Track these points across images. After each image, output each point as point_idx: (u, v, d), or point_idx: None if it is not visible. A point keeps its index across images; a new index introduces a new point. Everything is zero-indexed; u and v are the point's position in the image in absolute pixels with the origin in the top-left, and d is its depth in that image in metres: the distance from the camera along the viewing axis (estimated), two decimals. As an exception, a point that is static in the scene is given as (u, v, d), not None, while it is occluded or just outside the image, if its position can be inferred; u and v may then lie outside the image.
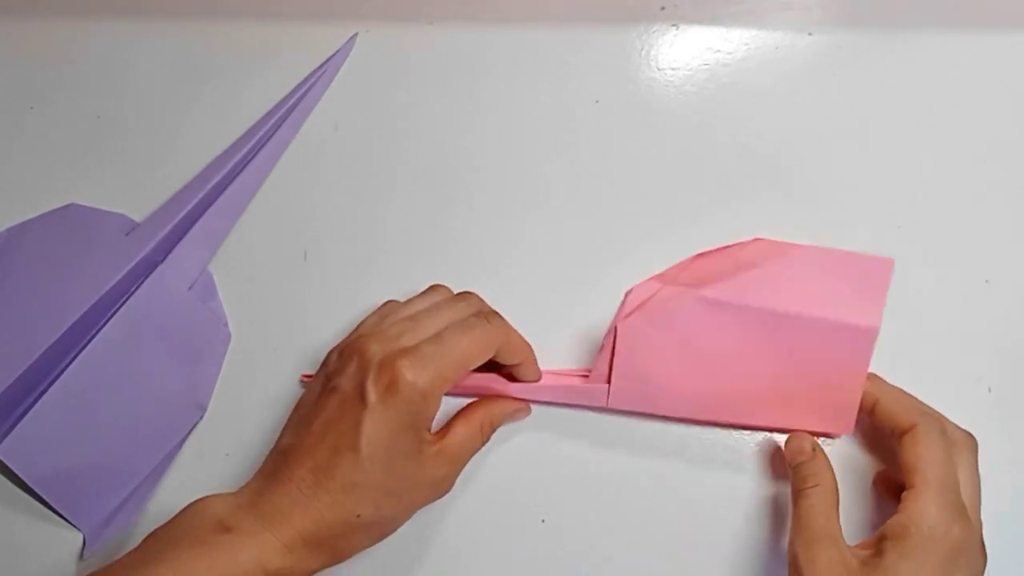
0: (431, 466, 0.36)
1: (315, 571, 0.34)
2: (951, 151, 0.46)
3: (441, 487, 0.38)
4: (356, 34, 0.49)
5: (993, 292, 0.43)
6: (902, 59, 0.47)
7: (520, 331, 0.39)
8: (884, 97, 0.47)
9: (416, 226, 0.46)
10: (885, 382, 0.39)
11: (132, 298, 0.43)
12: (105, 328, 0.42)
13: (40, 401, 0.41)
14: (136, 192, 0.47)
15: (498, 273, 0.45)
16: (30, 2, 0.51)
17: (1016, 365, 0.43)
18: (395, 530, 0.37)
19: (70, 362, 0.42)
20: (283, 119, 0.47)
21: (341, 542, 0.34)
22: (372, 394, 0.34)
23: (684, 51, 0.48)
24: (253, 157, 0.47)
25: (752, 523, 0.41)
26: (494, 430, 0.40)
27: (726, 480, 0.41)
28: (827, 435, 0.41)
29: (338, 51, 0.49)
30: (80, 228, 0.45)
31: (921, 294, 0.43)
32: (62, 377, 0.42)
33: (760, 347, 0.38)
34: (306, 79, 0.48)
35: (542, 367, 0.41)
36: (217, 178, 0.45)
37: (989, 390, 0.42)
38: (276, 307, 0.45)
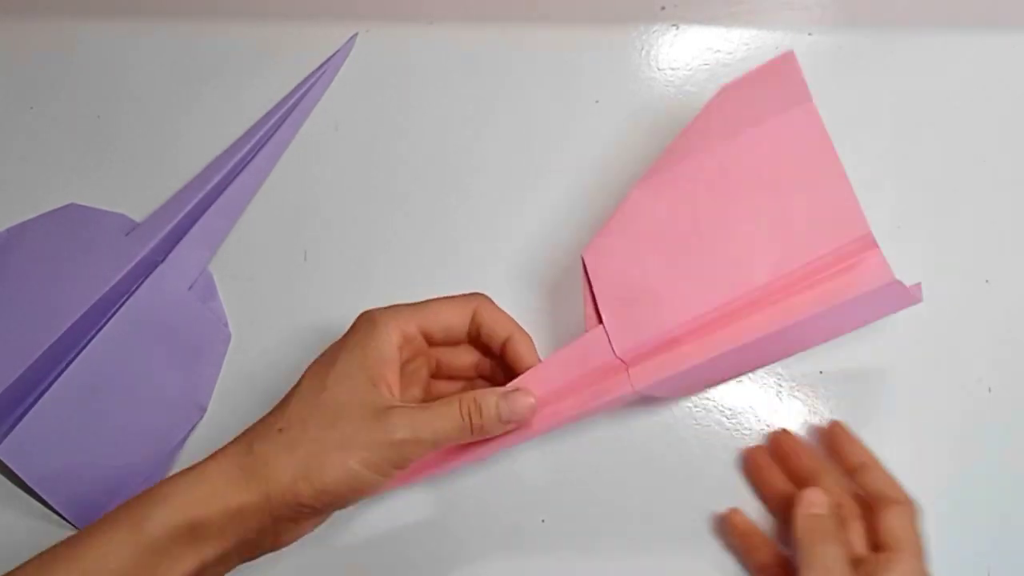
0: (388, 419, 0.33)
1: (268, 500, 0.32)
2: (951, 151, 0.46)
3: (399, 450, 0.33)
4: (356, 34, 0.49)
5: (993, 292, 0.43)
6: (902, 59, 0.47)
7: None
8: (884, 97, 0.47)
9: (416, 226, 0.46)
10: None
11: (132, 298, 0.43)
12: (105, 328, 0.42)
13: (40, 401, 0.41)
14: (136, 192, 0.47)
15: (498, 272, 0.45)
16: (30, 2, 0.51)
17: (1016, 365, 0.43)
18: (341, 485, 0.33)
19: (70, 362, 0.42)
20: (283, 119, 0.47)
21: (267, 468, 0.32)
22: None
23: (684, 51, 0.48)
24: (253, 157, 0.47)
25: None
26: (485, 420, 0.35)
27: (728, 479, 0.41)
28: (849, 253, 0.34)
29: (338, 51, 0.49)
30: (80, 228, 0.45)
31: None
32: (62, 377, 0.42)
33: (722, 196, 0.35)
34: (306, 79, 0.48)
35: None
36: (217, 178, 0.45)
37: (989, 390, 0.42)
38: (276, 307, 0.45)
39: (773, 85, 0.36)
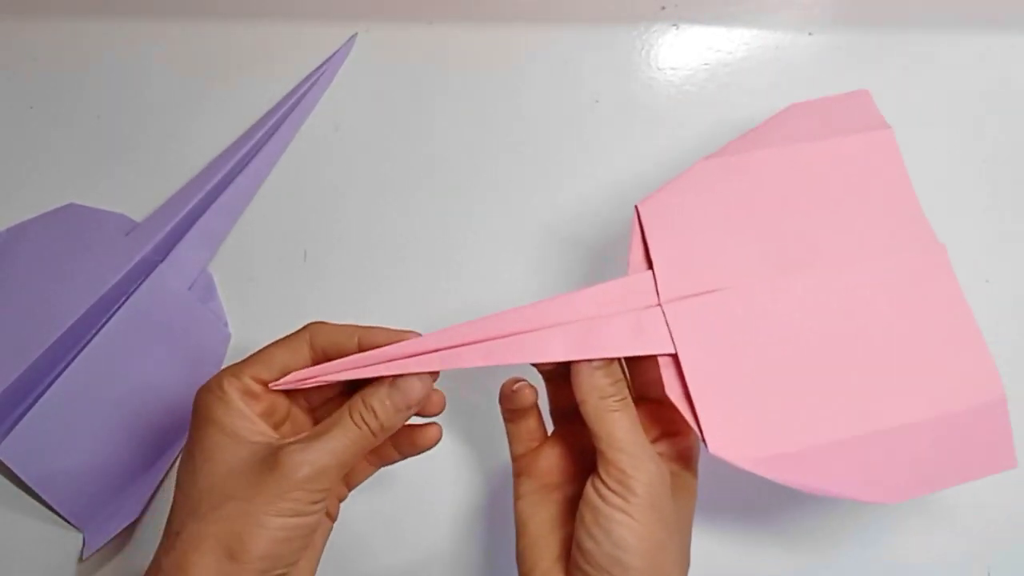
0: (281, 462, 0.30)
1: None
2: (951, 151, 0.46)
3: (309, 487, 0.30)
4: (356, 34, 0.49)
5: (993, 292, 0.43)
6: (902, 59, 0.47)
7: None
8: (884, 97, 0.47)
9: (416, 226, 0.46)
10: None
11: (132, 298, 0.43)
12: (105, 328, 0.42)
13: (40, 401, 0.41)
14: (136, 192, 0.47)
15: (498, 272, 0.45)
16: (30, 2, 0.51)
17: (1017, 365, 0.42)
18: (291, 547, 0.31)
19: (70, 362, 0.42)
20: (283, 119, 0.47)
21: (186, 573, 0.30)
22: None
23: (684, 51, 0.48)
24: (253, 157, 0.47)
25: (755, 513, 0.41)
26: (382, 419, 0.32)
27: (728, 476, 0.41)
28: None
29: (338, 51, 0.49)
30: (80, 228, 0.45)
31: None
32: (62, 377, 0.42)
33: (787, 188, 0.35)
34: (306, 79, 0.48)
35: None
36: (217, 178, 0.45)
37: (989, 390, 0.42)
38: (276, 307, 0.45)
39: (847, 110, 0.37)
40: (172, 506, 0.31)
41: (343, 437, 0.31)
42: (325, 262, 0.46)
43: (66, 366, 0.42)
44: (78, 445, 0.41)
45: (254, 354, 0.33)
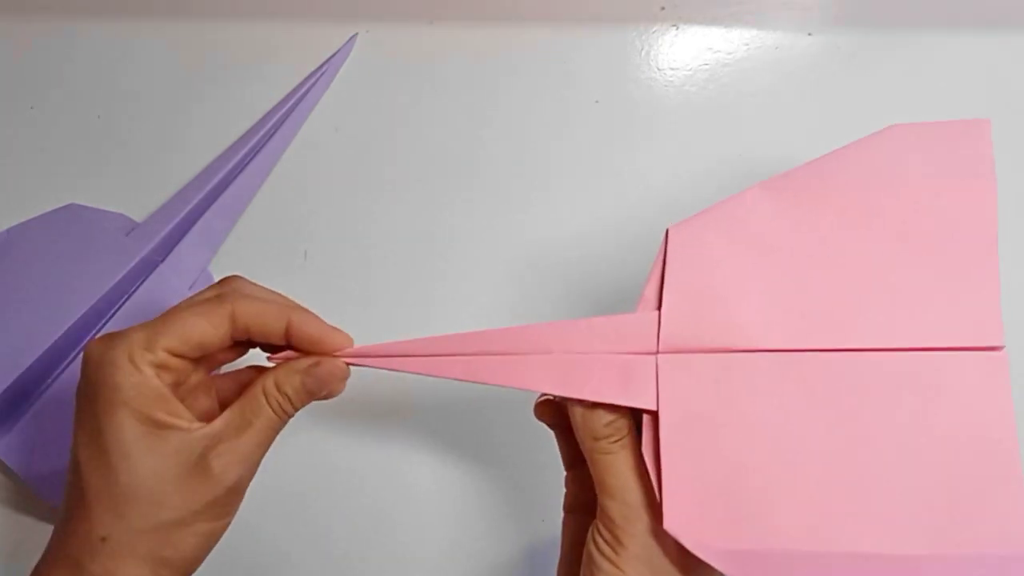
0: (211, 468, 0.28)
1: None
2: (951, 151, 0.46)
3: (237, 488, 0.29)
4: (356, 34, 0.49)
5: (993, 292, 0.43)
6: (902, 59, 0.47)
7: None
8: (884, 97, 0.47)
9: (416, 226, 0.46)
10: None
11: (132, 298, 0.43)
12: (105, 328, 0.42)
13: (40, 401, 0.41)
14: (136, 192, 0.47)
15: (498, 272, 0.45)
16: (30, 2, 0.51)
17: (1017, 366, 0.42)
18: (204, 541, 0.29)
19: (70, 362, 0.42)
20: (283, 119, 0.47)
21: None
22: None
23: (684, 51, 0.48)
24: (253, 157, 0.47)
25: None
26: (296, 403, 0.31)
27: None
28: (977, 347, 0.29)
29: (338, 51, 0.49)
30: (80, 228, 0.45)
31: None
32: (62, 377, 0.42)
33: (853, 231, 0.30)
34: (306, 79, 0.48)
35: None
36: (217, 178, 0.45)
37: (989, 390, 0.42)
38: (276, 307, 0.45)
39: (955, 145, 0.31)
40: (81, 498, 0.28)
41: (266, 429, 0.30)
42: (325, 262, 0.46)
43: (66, 366, 0.42)
44: (78, 445, 0.41)
45: (164, 321, 0.29)
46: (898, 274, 0.30)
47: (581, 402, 0.30)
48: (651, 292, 0.31)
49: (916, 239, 0.30)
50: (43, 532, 0.42)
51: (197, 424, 0.29)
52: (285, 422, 0.31)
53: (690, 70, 0.48)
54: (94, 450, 0.28)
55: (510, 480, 0.42)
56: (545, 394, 0.33)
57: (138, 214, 0.46)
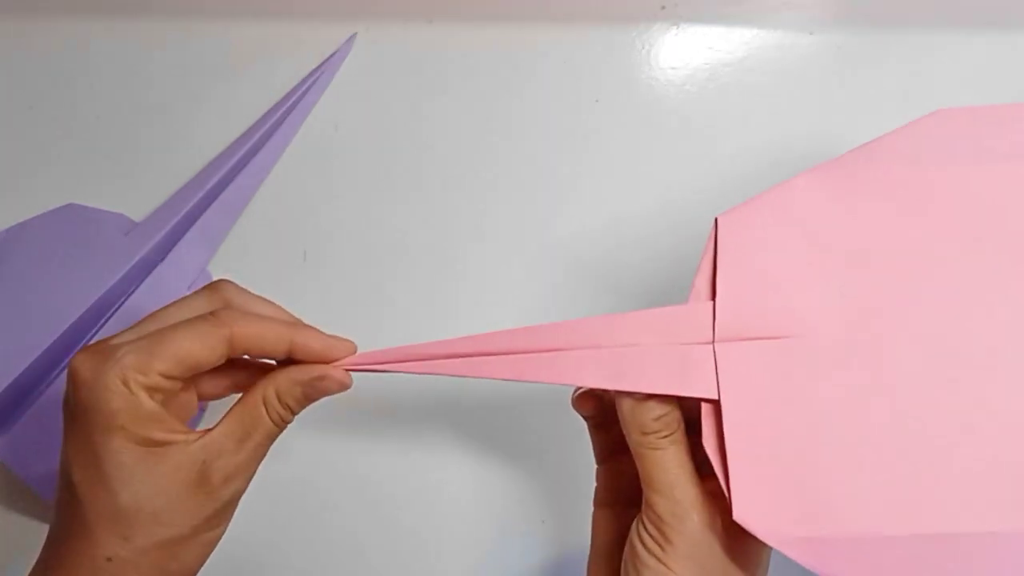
0: (211, 485, 0.28)
1: None
2: (952, 151, 0.46)
3: (234, 498, 0.29)
4: (356, 34, 0.49)
5: (994, 292, 0.43)
6: (902, 59, 0.47)
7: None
8: (884, 97, 0.47)
9: (416, 225, 0.46)
10: None
11: (131, 298, 0.43)
12: (104, 328, 0.42)
13: (40, 401, 0.41)
14: (135, 192, 0.47)
15: (498, 272, 0.45)
16: (30, 2, 0.51)
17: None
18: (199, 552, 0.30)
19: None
20: (283, 119, 0.47)
21: None
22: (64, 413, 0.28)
23: (684, 51, 0.48)
24: (253, 157, 0.47)
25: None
26: (297, 409, 0.31)
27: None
28: None
29: (338, 51, 0.49)
30: (79, 228, 0.45)
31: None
32: (61, 377, 0.41)
33: (912, 220, 0.29)
34: (306, 79, 0.48)
35: None
36: (217, 178, 0.45)
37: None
38: (276, 307, 0.45)
39: (1005, 128, 0.30)
40: (80, 518, 0.28)
41: (265, 440, 0.30)
42: (325, 262, 0.46)
43: (66, 366, 0.42)
44: (78, 445, 0.41)
45: (159, 342, 0.28)
46: (958, 258, 0.29)
47: (632, 395, 0.29)
48: (703, 282, 0.30)
49: (973, 223, 0.29)
50: (43, 532, 0.42)
51: (194, 435, 0.29)
52: (282, 428, 0.31)
53: (690, 69, 0.48)
54: (92, 473, 0.28)
55: (511, 482, 0.42)
56: (583, 387, 0.33)
57: (137, 214, 0.46)
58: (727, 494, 0.28)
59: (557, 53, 0.48)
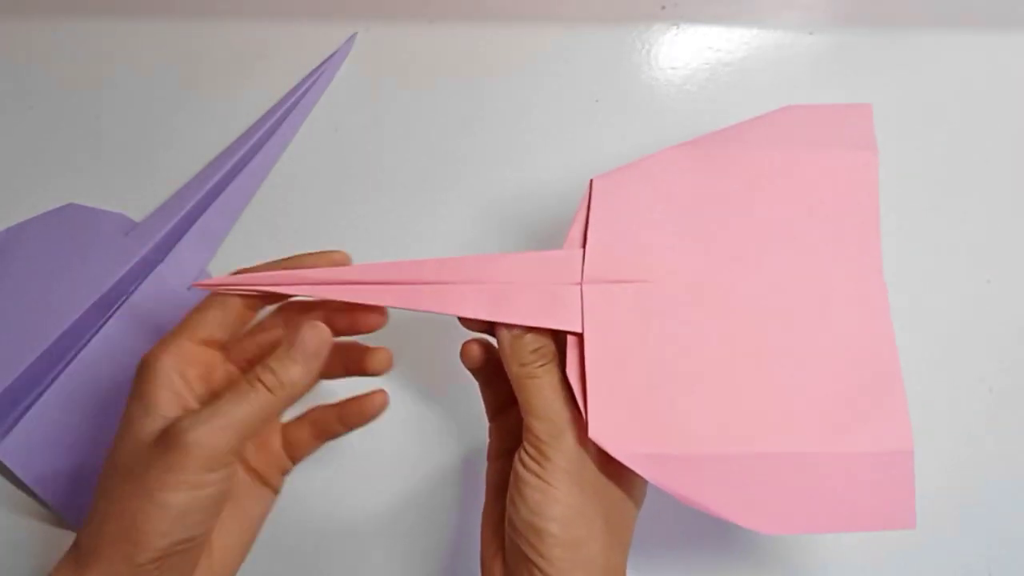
0: (171, 433, 0.29)
1: None
2: (952, 151, 0.46)
3: (202, 455, 0.29)
4: (355, 33, 0.49)
5: (994, 292, 0.43)
6: (902, 59, 0.47)
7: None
8: (884, 97, 0.47)
9: (415, 226, 0.46)
10: None
11: (131, 298, 0.43)
12: (104, 328, 0.42)
13: (39, 401, 0.41)
14: (135, 192, 0.47)
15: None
16: (30, 2, 0.51)
17: (1018, 365, 0.42)
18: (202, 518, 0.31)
19: (69, 362, 0.42)
20: (283, 119, 0.47)
21: (92, 555, 0.30)
22: None
23: (685, 50, 0.48)
24: (253, 157, 0.47)
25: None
26: (281, 376, 0.31)
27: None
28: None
29: (337, 51, 0.49)
30: (79, 228, 0.45)
31: (922, 294, 0.43)
32: (61, 377, 0.42)
33: (750, 193, 0.34)
34: (306, 79, 0.48)
35: None
36: (217, 178, 0.45)
37: (990, 390, 0.42)
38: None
39: (841, 122, 0.36)
40: (128, 534, 0.30)
41: (241, 403, 0.30)
42: (325, 262, 0.46)
43: (65, 366, 0.42)
44: (77, 445, 0.41)
45: (184, 320, 0.33)
46: (790, 225, 0.34)
47: (510, 329, 0.32)
48: (576, 233, 0.34)
49: (805, 197, 0.34)
50: (43, 532, 0.42)
51: (192, 403, 0.32)
52: (272, 400, 0.31)
53: (690, 69, 0.48)
54: (115, 444, 0.31)
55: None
56: (473, 335, 0.35)
57: (137, 214, 0.46)
58: (584, 415, 0.31)
59: (557, 53, 0.48)
